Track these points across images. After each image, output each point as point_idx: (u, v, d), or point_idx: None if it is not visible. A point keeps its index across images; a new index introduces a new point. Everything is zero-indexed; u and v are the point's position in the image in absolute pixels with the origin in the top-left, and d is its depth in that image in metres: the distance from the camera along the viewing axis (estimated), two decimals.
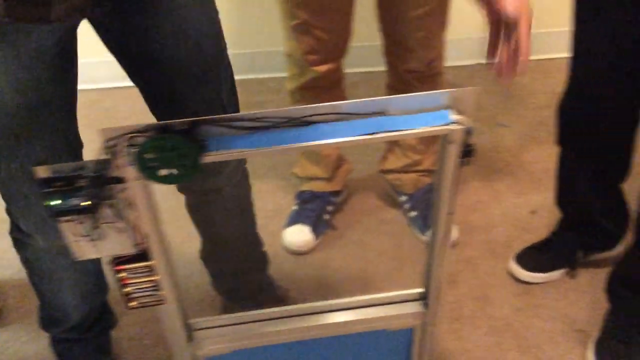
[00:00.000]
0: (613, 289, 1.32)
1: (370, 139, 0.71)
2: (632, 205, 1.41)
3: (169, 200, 1.17)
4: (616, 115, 1.24)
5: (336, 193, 1.71)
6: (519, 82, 2.21)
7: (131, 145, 0.69)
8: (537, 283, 1.49)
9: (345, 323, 0.93)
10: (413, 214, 1.66)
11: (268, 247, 1.42)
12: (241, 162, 1.18)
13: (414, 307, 0.95)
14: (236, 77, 1.08)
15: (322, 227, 1.66)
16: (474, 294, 1.49)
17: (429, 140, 1.62)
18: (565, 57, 1.26)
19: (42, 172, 0.71)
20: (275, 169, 1.89)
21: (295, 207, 1.68)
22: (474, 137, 0.75)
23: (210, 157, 0.70)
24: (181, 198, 1.22)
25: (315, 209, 1.66)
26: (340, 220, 1.71)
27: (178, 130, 0.69)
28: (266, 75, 2.31)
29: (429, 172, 1.67)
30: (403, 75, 1.51)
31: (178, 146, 0.67)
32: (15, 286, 1.57)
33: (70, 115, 0.95)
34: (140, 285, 0.84)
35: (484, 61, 2.23)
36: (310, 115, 0.71)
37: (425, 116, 0.72)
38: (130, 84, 1.02)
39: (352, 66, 1.73)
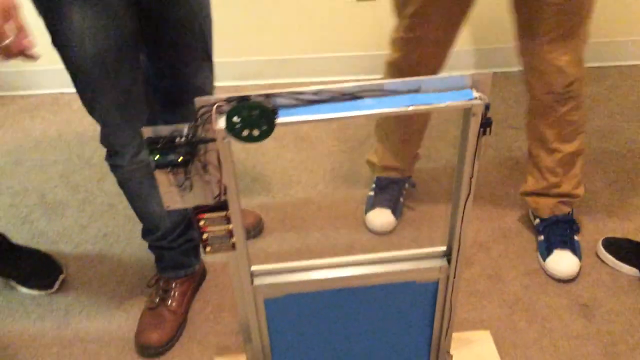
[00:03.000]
0: None
1: (406, 111, 0.89)
2: None
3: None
4: None
5: (409, 178, 1.87)
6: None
7: (218, 112, 0.88)
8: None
9: (382, 273, 1.11)
10: (540, 237, 1.69)
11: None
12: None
13: (438, 263, 1.12)
14: None
15: (399, 209, 1.81)
16: (487, 272, 1.66)
17: (566, 164, 1.62)
18: None
19: (146, 132, 0.90)
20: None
21: (372, 193, 1.84)
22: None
23: (281, 121, 0.88)
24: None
25: (393, 193, 1.81)
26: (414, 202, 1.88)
27: (256, 100, 0.88)
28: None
29: (568, 197, 1.66)
30: (540, 97, 1.53)
31: (259, 111, 0.86)
32: (75, 259, 1.76)
33: (138, 49, 1.26)
34: (216, 233, 1.02)
35: (496, 69, 2.42)
36: (359, 92, 0.90)
37: (452, 94, 0.90)
38: None
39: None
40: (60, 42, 1.17)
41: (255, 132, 0.88)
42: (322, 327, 1.20)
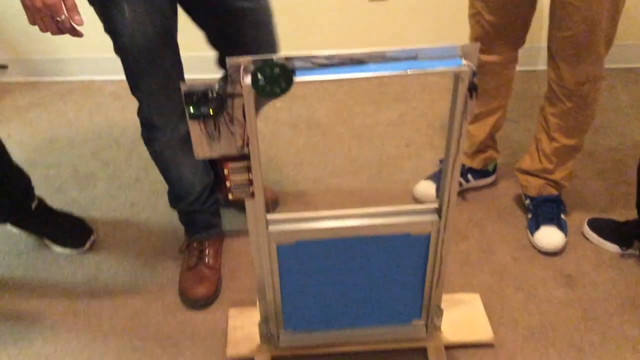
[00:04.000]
0: None
1: (404, 74, 1.05)
2: None
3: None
4: None
5: (473, 170, 1.95)
6: (530, 88, 2.54)
7: (245, 71, 1.04)
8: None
9: (381, 225, 1.26)
10: (529, 215, 1.84)
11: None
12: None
13: (431, 217, 1.28)
14: None
15: None
16: (480, 246, 1.80)
17: (562, 155, 1.75)
18: None
19: (184, 87, 1.06)
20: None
21: (437, 169, 2.00)
22: None
23: (298, 80, 1.04)
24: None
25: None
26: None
27: (278, 61, 1.04)
28: None
29: (556, 184, 1.80)
30: (553, 86, 1.65)
31: (280, 69, 1.02)
32: (105, 224, 1.93)
33: (176, 38, 1.42)
34: (238, 181, 1.18)
35: None
36: (365, 58, 1.06)
37: (444, 62, 1.06)
38: None
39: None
40: (113, 30, 1.35)
41: (276, 89, 1.04)
42: (327, 275, 1.36)
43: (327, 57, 1.06)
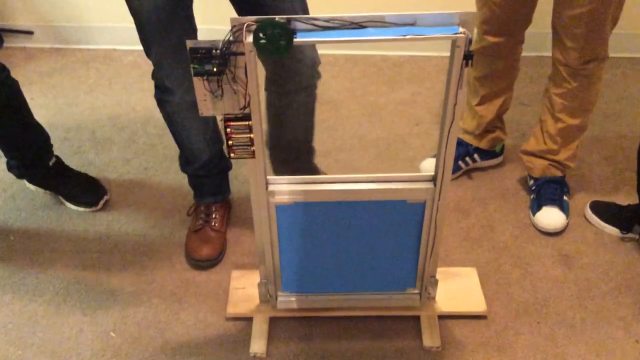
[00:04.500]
0: None
1: (403, 38, 1.08)
2: None
3: None
4: None
5: (480, 151, 1.97)
6: (543, 72, 2.54)
7: (248, 31, 1.08)
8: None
9: (378, 190, 1.30)
10: (532, 196, 1.86)
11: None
12: (311, 81, 1.62)
13: (426, 185, 1.31)
14: None
15: (454, 169, 1.92)
16: (481, 223, 1.83)
17: (566, 135, 1.77)
18: None
19: (189, 44, 1.11)
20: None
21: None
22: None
23: (297, 41, 1.08)
24: None
25: (458, 154, 1.91)
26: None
27: (280, 21, 1.08)
28: None
29: (560, 165, 1.82)
30: (558, 67, 1.66)
31: (280, 29, 1.06)
32: (118, 185, 2.00)
33: (190, 10, 1.45)
34: (239, 140, 1.22)
35: None
36: (364, 21, 1.09)
37: (441, 29, 1.09)
38: None
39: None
40: None
41: (277, 48, 1.08)
42: (324, 239, 1.40)
43: (328, 20, 1.09)
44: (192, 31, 1.49)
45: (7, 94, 1.71)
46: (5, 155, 1.87)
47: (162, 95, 1.57)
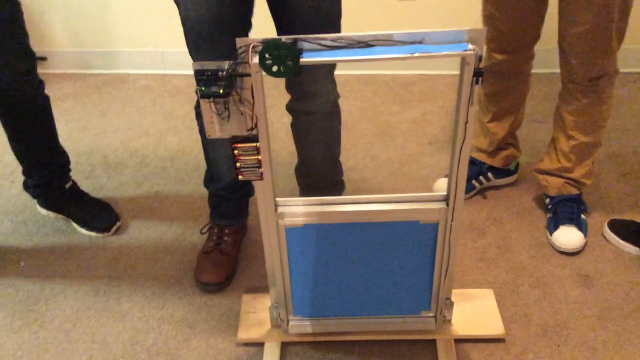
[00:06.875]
0: None
1: (411, 57, 1.07)
2: None
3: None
4: None
5: (494, 169, 1.93)
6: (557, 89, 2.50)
7: (254, 52, 1.07)
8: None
9: (388, 211, 1.27)
10: (549, 215, 1.82)
11: None
12: (333, 98, 1.63)
13: (438, 205, 1.28)
14: None
15: (468, 188, 1.88)
16: (497, 243, 1.79)
17: (581, 152, 1.73)
18: None
19: (195, 66, 1.10)
20: None
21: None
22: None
23: (304, 61, 1.06)
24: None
25: (471, 173, 1.90)
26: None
27: (286, 42, 1.06)
28: None
29: (576, 182, 1.78)
30: (567, 84, 1.65)
31: (287, 50, 1.05)
32: (129, 209, 1.99)
33: (243, 26, 1.47)
34: (247, 162, 1.21)
35: None
36: (372, 40, 1.07)
37: (450, 46, 1.07)
38: None
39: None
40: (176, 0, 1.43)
41: (283, 69, 1.06)
42: (335, 261, 1.37)
43: (335, 39, 1.08)
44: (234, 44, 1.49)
45: (41, 108, 1.76)
46: (24, 173, 1.88)
47: (199, 109, 1.57)
